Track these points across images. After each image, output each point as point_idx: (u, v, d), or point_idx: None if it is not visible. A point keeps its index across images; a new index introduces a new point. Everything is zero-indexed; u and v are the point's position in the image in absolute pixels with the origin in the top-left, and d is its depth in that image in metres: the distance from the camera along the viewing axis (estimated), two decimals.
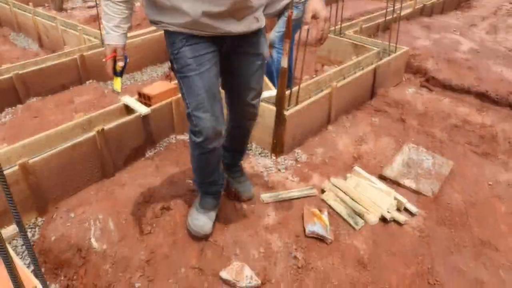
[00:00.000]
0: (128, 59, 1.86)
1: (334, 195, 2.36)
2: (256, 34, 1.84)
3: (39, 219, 2.37)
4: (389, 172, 2.59)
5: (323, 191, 2.43)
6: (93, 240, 2.12)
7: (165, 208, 2.22)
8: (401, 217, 2.26)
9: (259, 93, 2.03)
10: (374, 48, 3.84)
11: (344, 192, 2.36)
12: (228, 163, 2.35)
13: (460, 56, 4.30)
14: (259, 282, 1.87)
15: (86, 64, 3.69)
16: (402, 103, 3.41)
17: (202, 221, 2.08)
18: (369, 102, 3.46)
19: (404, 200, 2.34)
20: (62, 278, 2.08)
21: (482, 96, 3.72)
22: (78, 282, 2.03)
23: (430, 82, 3.96)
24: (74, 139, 2.47)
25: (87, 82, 3.69)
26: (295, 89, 2.78)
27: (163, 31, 1.81)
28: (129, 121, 2.67)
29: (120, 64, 1.81)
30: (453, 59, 4.20)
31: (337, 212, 2.28)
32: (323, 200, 2.36)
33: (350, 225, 2.21)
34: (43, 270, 2.12)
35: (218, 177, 2.11)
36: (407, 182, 2.52)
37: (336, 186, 2.41)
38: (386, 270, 2.01)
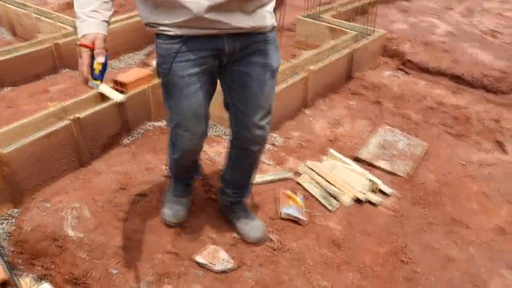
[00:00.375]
0: (107, 57, 1.40)
1: (309, 177, 2.39)
2: (265, 40, 1.60)
3: (15, 210, 2.35)
4: (364, 154, 2.63)
5: (298, 174, 2.45)
6: (69, 228, 2.12)
7: (141, 195, 2.22)
8: (375, 198, 2.30)
9: (269, 112, 1.75)
10: (351, 31, 3.86)
11: (319, 175, 2.39)
12: (229, 201, 2.06)
13: (436, 39, 4.34)
14: (235, 265, 1.89)
15: (61, 53, 3.63)
16: (379, 86, 3.44)
17: (175, 209, 2.06)
18: (346, 85, 3.48)
19: (378, 181, 2.38)
20: (39, 267, 2.07)
21: (458, 79, 3.77)
22: (55, 271, 2.03)
23: (406, 65, 3.99)
24: (48, 128, 2.45)
25: (63, 70, 3.64)
26: None
27: (143, 21, 1.57)
28: (105, 108, 2.65)
29: (100, 60, 1.35)
30: (429, 42, 4.24)
31: (312, 195, 2.31)
32: (298, 183, 2.38)
33: (325, 206, 2.25)
34: (19, 261, 2.12)
35: (194, 172, 2.11)
36: (382, 164, 2.56)
37: (311, 169, 2.43)
38: (360, 249, 2.05)
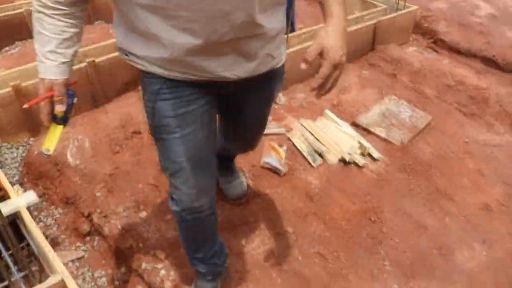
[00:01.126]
0: (75, 98, 1.23)
1: (300, 134, 2.45)
2: (271, 76, 1.34)
3: (32, 139, 2.59)
4: (362, 119, 2.64)
5: (291, 130, 2.51)
6: (69, 156, 2.32)
7: (136, 132, 2.38)
8: (361, 159, 2.32)
9: (263, 132, 1.68)
10: (381, 5, 3.79)
11: (310, 132, 2.44)
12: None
13: (474, 20, 4.16)
14: None
15: (96, 5, 3.84)
16: (399, 60, 3.39)
17: None
18: (365, 56, 3.46)
19: (368, 144, 2.40)
20: (41, 187, 2.30)
21: (488, 61, 3.62)
22: (52, 191, 2.25)
23: (437, 44, 3.88)
24: None
25: (96, 22, 3.86)
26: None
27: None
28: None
29: (59, 108, 1.18)
30: (466, 22, 4.07)
31: (298, 150, 2.37)
32: (289, 138, 2.45)
33: (309, 162, 2.30)
34: (26, 179, 2.36)
35: (210, 253, 1.58)
36: (378, 130, 2.56)
37: (303, 126, 2.48)
38: (331, 204, 2.10)
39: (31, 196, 1.82)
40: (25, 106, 1.23)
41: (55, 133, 1.23)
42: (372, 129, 2.57)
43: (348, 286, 1.79)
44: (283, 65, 1.39)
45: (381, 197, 2.17)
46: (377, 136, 2.55)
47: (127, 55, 1.23)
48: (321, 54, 1.05)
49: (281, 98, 2.83)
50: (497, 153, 2.59)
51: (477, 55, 3.69)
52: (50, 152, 1.24)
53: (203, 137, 1.31)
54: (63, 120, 1.22)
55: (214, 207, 1.49)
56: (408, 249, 1.94)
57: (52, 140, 1.23)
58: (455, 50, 3.80)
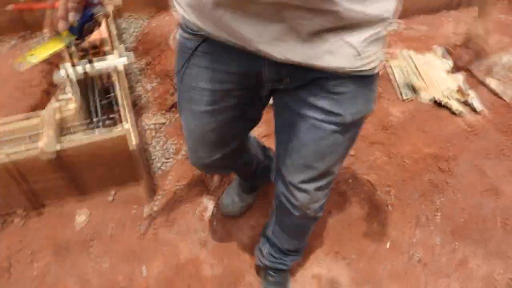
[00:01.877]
0: (100, 12, 0.91)
1: (400, 64, 2.30)
2: (339, 78, 0.89)
3: (157, 14, 2.85)
4: (477, 66, 2.37)
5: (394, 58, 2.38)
6: (171, 39, 2.54)
7: None
8: (457, 106, 2.13)
9: (323, 175, 1.08)
10: None
11: (411, 64, 2.29)
12: (263, 264, 1.50)
13: None
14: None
15: None
16: None
17: (230, 199, 1.76)
18: None
19: (470, 93, 2.18)
20: (149, 57, 2.56)
21: None
22: (157, 62, 2.49)
23: None
24: None
25: None
26: None
27: None
28: None
29: (70, 17, 0.86)
30: None
31: (395, 79, 2.25)
32: (388, 66, 2.32)
33: (400, 93, 2.19)
34: (140, 48, 2.64)
35: (240, 169, 1.57)
36: (491, 82, 2.29)
37: (406, 57, 2.33)
38: (404, 141, 2.01)
39: (126, 58, 2.06)
40: (9, 8, 0.96)
41: (54, 46, 0.93)
42: (483, 79, 2.31)
43: (388, 222, 1.77)
44: (373, 72, 0.91)
45: (462, 149, 2.01)
46: (487, 87, 2.29)
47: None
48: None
49: (400, 26, 2.65)
50: None
51: None
52: (23, 68, 0.91)
53: (223, 121, 1.07)
54: (77, 31, 0.91)
55: (236, 161, 1.38)
56: (468, 208, 1.82)
57: (42, 51, 0.92)
58: None
